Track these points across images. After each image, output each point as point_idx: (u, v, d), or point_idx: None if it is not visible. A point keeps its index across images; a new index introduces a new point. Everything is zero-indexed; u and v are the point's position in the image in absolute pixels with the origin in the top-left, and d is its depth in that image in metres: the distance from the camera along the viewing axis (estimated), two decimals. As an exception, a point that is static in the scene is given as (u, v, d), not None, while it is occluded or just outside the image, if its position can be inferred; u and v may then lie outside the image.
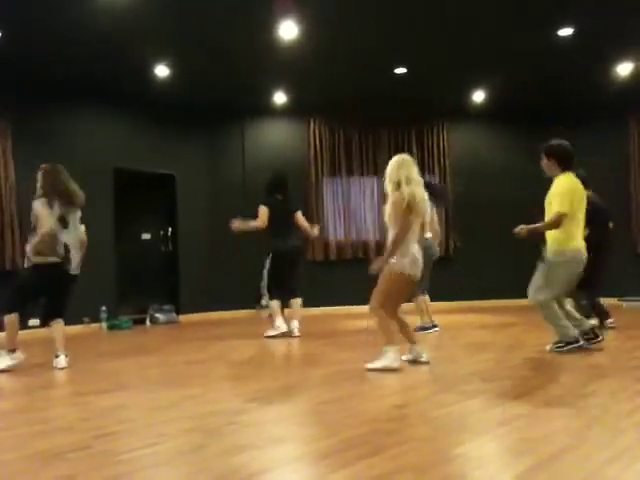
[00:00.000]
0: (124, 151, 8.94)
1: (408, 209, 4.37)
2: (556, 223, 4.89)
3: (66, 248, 5.04)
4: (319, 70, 8.42)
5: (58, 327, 5.18)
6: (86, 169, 8.37)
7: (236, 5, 6.33)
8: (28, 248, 5.05)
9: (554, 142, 5.13)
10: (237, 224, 6.69)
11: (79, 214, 5.23)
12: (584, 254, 4.95)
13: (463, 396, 3.50)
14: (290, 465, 2.46)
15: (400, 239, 4.39)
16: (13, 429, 3.18)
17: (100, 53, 7.42)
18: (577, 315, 5.16)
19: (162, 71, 8.13)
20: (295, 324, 6.79)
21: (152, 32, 6.96)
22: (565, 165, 5.00)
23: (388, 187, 4.53)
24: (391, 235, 4.47)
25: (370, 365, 4.48)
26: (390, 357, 4.42)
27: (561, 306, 5.05)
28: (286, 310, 7.20)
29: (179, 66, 8.06)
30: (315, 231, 6.99)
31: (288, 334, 6.72)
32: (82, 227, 5.25)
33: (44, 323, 5.36)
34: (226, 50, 7.56)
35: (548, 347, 5.10)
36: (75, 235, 5.13)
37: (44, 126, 8.08)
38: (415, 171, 4.53)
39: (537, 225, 5.00)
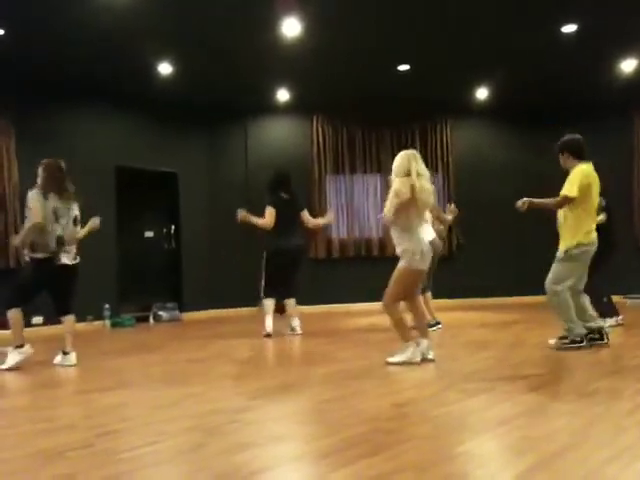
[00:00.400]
0: (126, 150, 8.94)
1: (413, 198, 4.40)
2: (560, 204, 4.96)
3: (60, 241, 5.02)
4: (321, 68, 8.40)
5: (67, 324, 5.20)
6: (88, 168, 8.40)
7: (236, 4, 6.32)
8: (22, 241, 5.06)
9: (566, 137, 5.20)
10: (243, 214, 6.62)
11: (75, 211, 5.21)
12: (593, 246, 4.99)
13: (464, 394, 3.50)
14: (291, 464, 2.47)
15: (398, 210, 4.43)
16: (15, 427, 3.19)
17: (100, 53, 7.41)
18: (591, 311, 5.14)
19: (163, 70, 8.11)
20: (296, 322, 6.78)
21: (152, 31, 6.95)
22: (579, 156, 5.06)
23: (396, 178, 4.54)
24: (393, 224, 4.52)
25: (391, 359, 4.54)
26: (411, 351, 4.50)
27: (575, 298, 5.06)
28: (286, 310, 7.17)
29: (180, 65, 8.04)
30: (329, 217, 7.05)
31: (270, 334, 6.58)
32: (77, 228, 5.23)
33: (54, 320, 5.38)
34: (227, 49, 7.55)
35: (552, 341, 5.10)
36: (68, 228, 5.12)
37: (45, 126, 8.08)
38: (424, 166, 4.61)
39: (541, 200, 5.03)
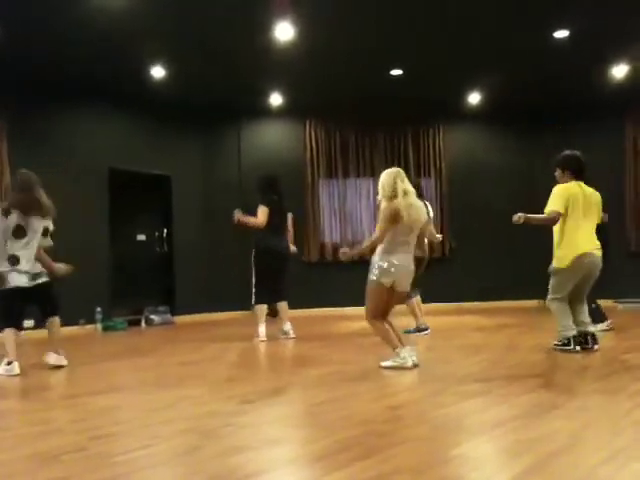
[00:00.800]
0: (122, 151, 8.92)
1: (396, 220, 4.40)
2: (549, 220, 4.98)
3: (13, 260, 4.83)
4: (316, 71, 8.42)
5: (51, 324, 5.11)
6: (84, 170, 8.41)
7: (235, 5, 6.34)
8: None
9: (566, 153, 5.21)
10: (239, 215, 6.61)
11: (47, 224, 5.02)
12: (587, 258, 4.95)
13: (459, 397, 3.50)
14: (285, 467, 2.46)
15: (377, 243, 4.46)
16: (8, 430, 3.17)
17: (100, 53, 7.41)
18: (584, 319, 5.14)
19: (161, 71, 8.13)
20: (288, 326, 6.77)
21: (151, 32, 6.96)
22: (577, 175, 5.08)
23: (383, 199, 4.53)
24: (381, 240, 4.50)
25: (384, 363, 4.52)
26: (403, 356, 4.47)
27: (574, 305, 5.10)
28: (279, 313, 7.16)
29: (177, 66, 8.06)
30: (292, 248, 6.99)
31: (264, 341, 6.53)
32: (47, 240, 5.07)
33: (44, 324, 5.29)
34: (224, 51, 7.56)
35: (554, 342, 5.18)
36: (31, 246, 4.92)
37: (44, 126, 8.07)
38: (409, 184, 4.61)
39: (536, 216, 5.05)
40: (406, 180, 4.58)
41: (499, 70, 8.73)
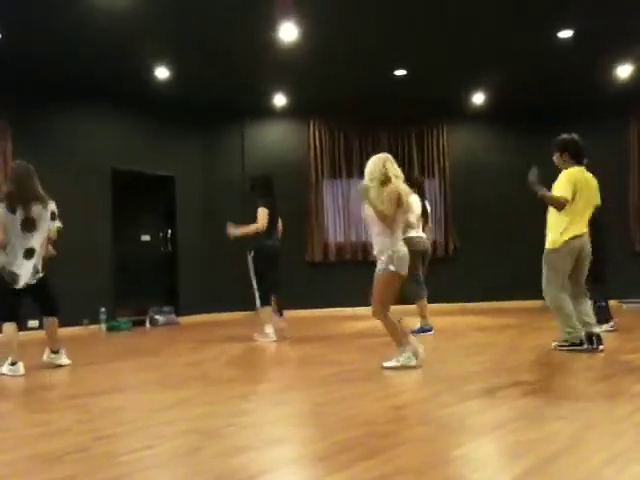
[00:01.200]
0: (123, 152, 8.93)
1: (398, 204, 4.39)
2: (558, 204, 4.93)
3: (27, 254, 4.85)
4: (319, 71, 8.43)
5: (49, 325, 5.12)
6: (85, 169, 8.42)
7: (236, 5, 6.34)
8: None
9: (563, 136, 5.19)
10: (232, 231, 6.63)
11: (52, 208, 5.04)
12: (577, 241, 4.97)
13: (461, 398, 3.50)
14: (287, 467, 2.47)
15: (387, 222, 4.37)
16: (12, 430, 3.19)
17: (100, 53, 7.42)
18: (587, 318, 5.13)
19: (162, 72, 8.14)
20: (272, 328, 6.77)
21: (152, 32, 6.97)
22: (576, 158, 5.07)
23: (373, 183, 4.47)
24: (376, 229, 4.48)
25: (387, 364, 4.51)
26: (407, 356, 4.46)
27: (575, 301, 5.08)
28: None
29: (179, 67, 8.07)
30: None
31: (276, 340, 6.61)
32: (56, 223, 5.08)
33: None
34: (226, 51, 7.57)
35: (554, 343, 5.15)
36: (42, 235, 4.97)
37: (44, 126, 8.08)
38: (398, 168, 4.58)
39: (547, 194, 5.00)
40: (395, 164, 4.54)
41: (499, 70, 8.73)
